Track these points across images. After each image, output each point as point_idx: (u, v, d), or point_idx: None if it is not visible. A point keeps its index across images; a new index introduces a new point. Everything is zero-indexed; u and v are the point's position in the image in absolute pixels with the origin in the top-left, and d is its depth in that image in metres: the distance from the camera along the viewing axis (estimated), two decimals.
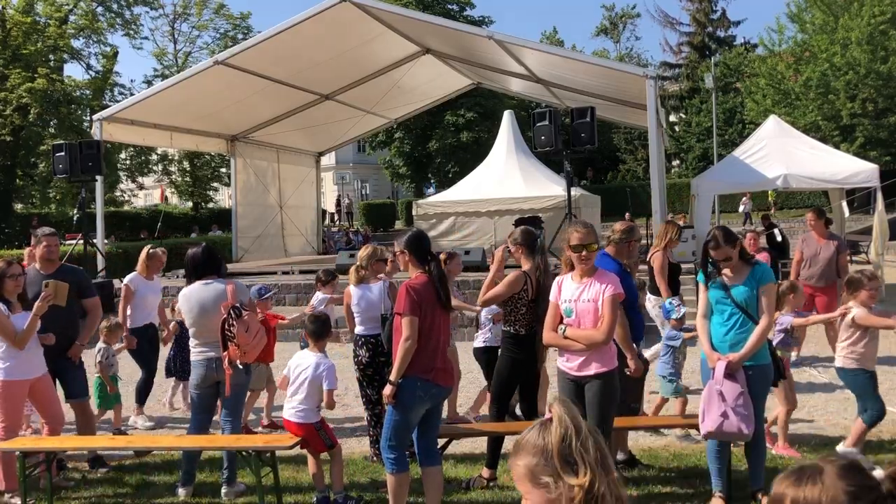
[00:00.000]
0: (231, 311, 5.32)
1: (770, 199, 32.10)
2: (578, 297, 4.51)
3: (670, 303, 6.48)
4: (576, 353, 4.52)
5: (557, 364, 4.68)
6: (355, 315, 6.13)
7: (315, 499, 5.25)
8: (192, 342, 5.60)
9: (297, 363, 5.21)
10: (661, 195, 13.83)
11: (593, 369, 4.47)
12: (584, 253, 4.47)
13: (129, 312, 7.46)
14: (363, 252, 6.36)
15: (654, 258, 7.62)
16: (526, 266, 5.38)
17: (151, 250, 7.78)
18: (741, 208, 31.32)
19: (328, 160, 39.45)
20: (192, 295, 5.50)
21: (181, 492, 5.49)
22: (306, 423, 5.12)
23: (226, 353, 5.33)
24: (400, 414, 4.58)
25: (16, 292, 5.43)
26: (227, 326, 5.30)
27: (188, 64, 34.27)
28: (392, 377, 4.56)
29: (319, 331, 5.26)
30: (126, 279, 7.64)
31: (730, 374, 4.62)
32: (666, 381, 6.34)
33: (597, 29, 60.27)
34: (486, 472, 5.46)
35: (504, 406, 5.76)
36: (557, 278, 4.71)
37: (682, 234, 13.99)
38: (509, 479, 3.44)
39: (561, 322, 4.57)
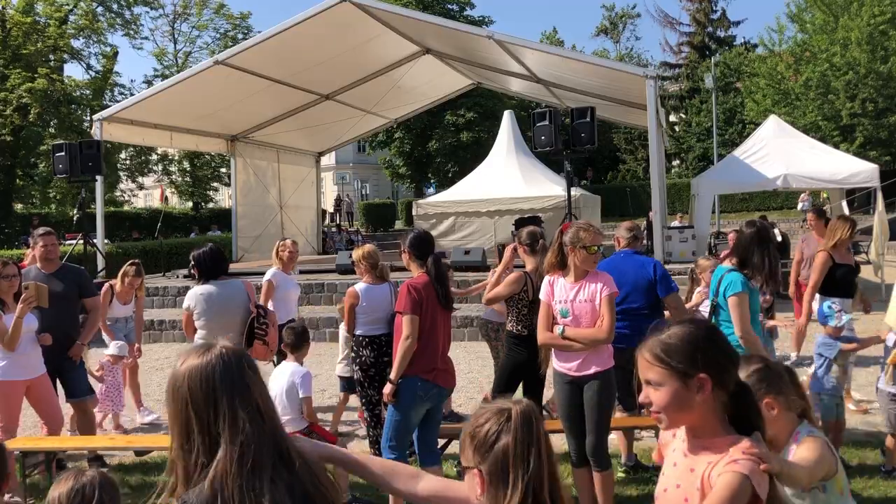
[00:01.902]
0: (259, 309, 5.39)
1: (824, 196, 31.62)
2: (574, 297, 4.46)
3: (829, 307, 5.50)
4: (573, 354, 4.50)
5: (554, 366, 4.64)
6: (359, 315, 6.07)
7: None
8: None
9: (274, 376, 5.14)
10: (661, 195, 13.84)
11: (593, 369, 4.46)
12: (597, 253, 4.45)
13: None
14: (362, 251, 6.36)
15: (816, 256, 7.11)
16: (529, 267, 5.40)
17: (281, 243, 7.51)
18: (800, 206, 30.80)
19: (328, 160, 39.41)
20: (212, 294, 5.45)
21: None
22: (293, 431, 5.10)
23: (250, 349, 5.35)
24: (400, 414, 4.57)
25: (10, 292, 5.41)
26: (257, 324, 5.35)
27: (188, 64, 34.26)
28: (392, 376, 4.55)
29: (297, 342, 5.18)
30: (268, 274, 7.39)
31: None
32: (824, 399, 5.25)
33: (597, 29, 60.31)
34: None
35: None
36: (548, 278, 4.63)
37: (683, 234, 14.11)
38: None
39: (555, 322, 4.55)
